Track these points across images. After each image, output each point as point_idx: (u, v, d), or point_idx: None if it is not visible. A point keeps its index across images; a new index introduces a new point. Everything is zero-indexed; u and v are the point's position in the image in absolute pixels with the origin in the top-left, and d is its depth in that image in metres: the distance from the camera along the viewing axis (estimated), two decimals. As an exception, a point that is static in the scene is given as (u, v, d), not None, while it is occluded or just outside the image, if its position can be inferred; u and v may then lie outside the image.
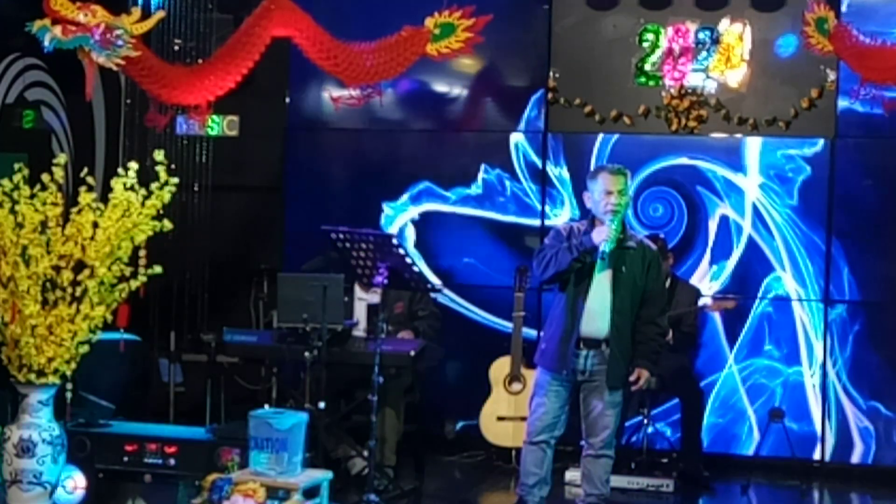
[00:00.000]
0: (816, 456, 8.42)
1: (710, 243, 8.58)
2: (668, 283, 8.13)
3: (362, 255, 7.02)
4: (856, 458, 8.39)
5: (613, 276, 6.48)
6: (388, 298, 7.55)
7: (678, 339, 8.07)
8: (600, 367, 6.48)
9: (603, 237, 6.37)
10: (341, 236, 7.06)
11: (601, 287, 6.48)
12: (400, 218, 8.90)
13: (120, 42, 6.36)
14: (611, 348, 6.47)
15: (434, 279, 8.31)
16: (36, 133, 8.22)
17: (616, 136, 8.66)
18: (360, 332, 7.55)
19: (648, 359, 6.53)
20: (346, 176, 9.12)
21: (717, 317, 8.48)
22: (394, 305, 7.69)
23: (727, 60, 8.54)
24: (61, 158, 6.26)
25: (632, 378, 6.50)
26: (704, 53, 8.58)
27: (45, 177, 6.14)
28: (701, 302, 8.25)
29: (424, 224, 8.93)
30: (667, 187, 8.65)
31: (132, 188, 6.23)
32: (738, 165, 8.56)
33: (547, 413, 6.56)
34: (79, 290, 6.15)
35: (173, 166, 6.73)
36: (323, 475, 6.45)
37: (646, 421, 8.05)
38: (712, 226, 8.57)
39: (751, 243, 8.53)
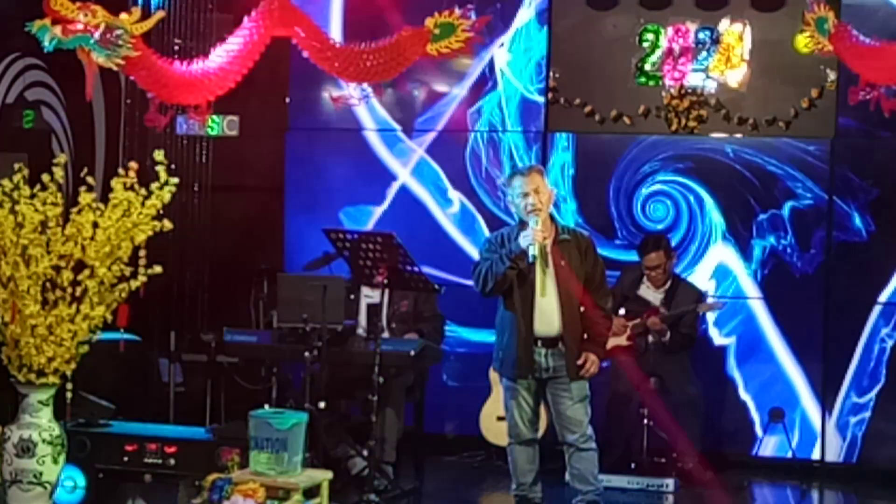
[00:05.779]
0: (816, 456, 8.42)
1: (711, 243, 8.59)
2: (669, 284, 8.17)
3: (362, 255, 7.01)
4: (855, 458, 8.38)
5: (556, 272, 6.55)
6: (395, 296, 7.56)
7: (676, 340, 8.07)
8: (560, 363, 6.57)
9: (529, 240, 6.42)
10: (341, 236, 7.05)
11: (547, 285, 6.55)
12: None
13: (120, 42, 6.37)
14: (565, 343, 6.55)
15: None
16: (36, 133, 8.22)
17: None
18: (360, 331, 7.54)
19: (595, 342, 6.62)
20: (346, 176, 9.11)
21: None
22: (400, 303, 7.68)
23: (727, 60, 8.53)
24: (61, 158, 6.26)
25: (579, 362, 6.54)
26: (704, 53, 8.57)
27: (45, 177, 6.14)
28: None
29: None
30: (666, 187, 8.65)
31: (132, 188, 6.23)
32: (736, 165, 8.56)
33: (525, 412, 6.68)
34: (79, 290, 6.15)
35: (173, 166, 6.73)
36: (323, 475, 6.46)
37: (646, 421, 8.04)
38: (711, 225, 8.58)
39: (750, 242, 8.54)
